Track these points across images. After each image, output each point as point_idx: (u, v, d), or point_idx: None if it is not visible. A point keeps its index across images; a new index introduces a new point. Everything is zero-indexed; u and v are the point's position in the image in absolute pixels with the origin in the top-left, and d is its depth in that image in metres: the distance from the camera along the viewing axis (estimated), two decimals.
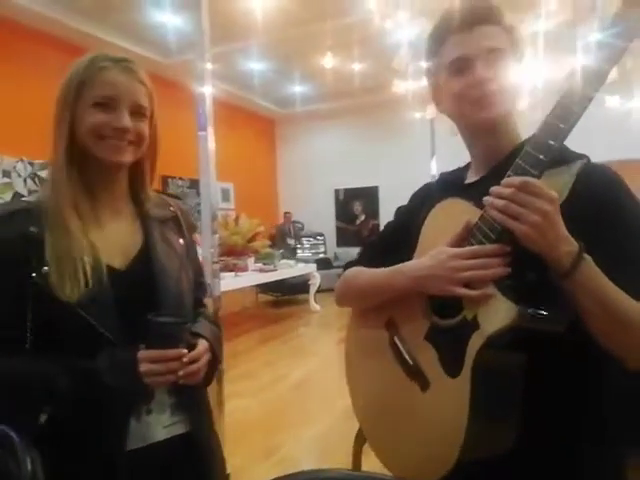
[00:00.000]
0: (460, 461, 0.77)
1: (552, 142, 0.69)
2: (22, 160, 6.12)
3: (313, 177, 10.35)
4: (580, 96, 0.67)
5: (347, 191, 10.29)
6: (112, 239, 0.95)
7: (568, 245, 0.69)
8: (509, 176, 0.72)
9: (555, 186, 0.71)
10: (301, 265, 7.59)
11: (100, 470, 0.87)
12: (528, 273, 0.72)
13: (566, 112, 0.69)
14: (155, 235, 1.00)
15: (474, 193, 0.82)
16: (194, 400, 1.01)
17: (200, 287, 1.13)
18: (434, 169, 7.38)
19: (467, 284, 0.77)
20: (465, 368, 0.77)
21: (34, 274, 0.85)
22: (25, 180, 6.18)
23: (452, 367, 0.80)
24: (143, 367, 0.85)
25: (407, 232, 1.00)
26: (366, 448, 1.09)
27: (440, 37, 0.92)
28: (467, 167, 1.02)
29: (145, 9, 5.81)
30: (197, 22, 1.89)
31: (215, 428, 1.10)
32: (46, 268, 0.85)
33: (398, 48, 4.95)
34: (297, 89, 9.01)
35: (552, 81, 5.05)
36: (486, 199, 0.73)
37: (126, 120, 0.91)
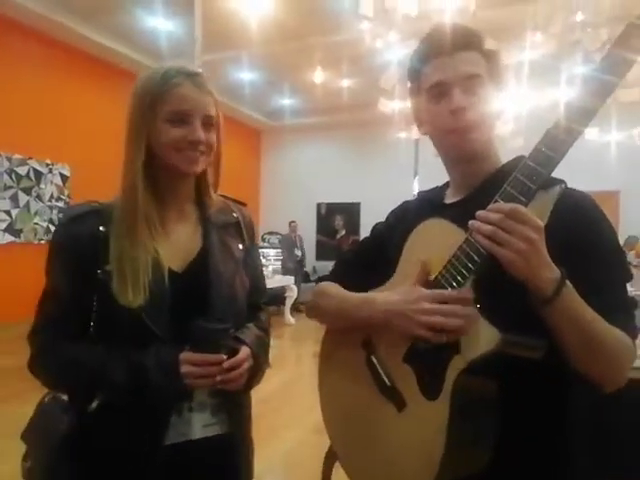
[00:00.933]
0: None
1: (542, 170, 0.69)
2: (0, 155, 5.99)
3: (296, 189, 10.37)
4: (571, 127, 0.68)
5: (329, 205, 10.33)
6: (175, 242, 1.00)
7: (550, 272, 0.69)
8: (496, 201, 0.72)
9: (536, 212, 0.71)
10: (278, 277, 7.56)
11: (139, 460, 0.92)
12: (511, 298, 0.71)
13: (557, 142, 0.69)
14: (214, 240, 1.04)
15: (453, 214, 0.82)
16: (235, 403, 1.04)
17: (258, 292, 1.15)
18: (416, 189, 7.47)
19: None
20: (444, 392, 0.76)
21: (99, 270, 0.92)
22: (2, 175, 6.04)
23: (430, 390, 0.79)
24: (184, 368, 0.90)
25: (382, 250, 1.00)
26: (337, 467, 1.07)
27: (421, 59, 0.92)
28: (445, 186, 1.02)
29: (139, 13, 5.80)
30: (190, 29, 1.89)
31: (251, 434, 1.13)
32: (109, 266, 0.92)
33: (387, 68, 5.03)
34: (285, 102, 9.07)
35: (536, 109, 5.18)
36: (472, 223, 0.72)
37: (200, 133, 0.96)
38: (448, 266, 0.78)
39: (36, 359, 0.96)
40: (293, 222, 9.47)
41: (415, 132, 5.87)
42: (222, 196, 1.15)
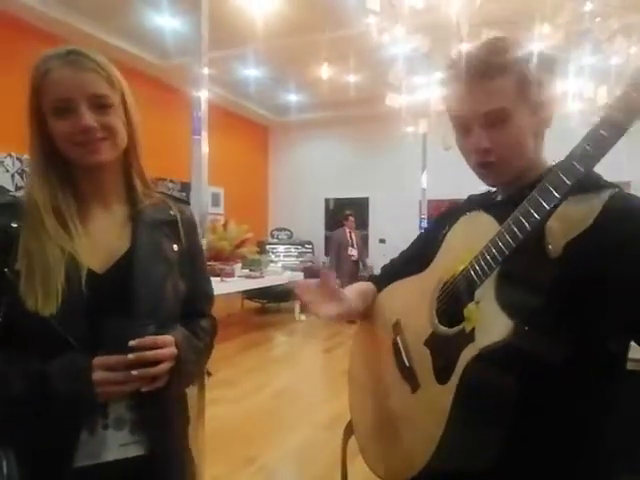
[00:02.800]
0: (429, 468, 0.78)
1: (578, 166, 0.67)
2: (11, 155, 6.05)
3: (304, 185, 10.37)
4: (614, 124, 0.64)
5: (337, 201, 10.31)
6: (97, 240, 0.91)
7: None
8: (533, 196, 0.71)
9: (580, 212, 0.71)
10: (288, 273, 7.58)
11: None
12: (535, 297, 0.70)
13: (598, 137, 0.66)
14: (143, 238, 0.94)
15: (498, 210, 0.82)
16: (158, 418, 0.91)
17: (199, 297, 1.06)
18: (424, 183, 7.44)
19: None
20: (454, 377, 0.77)
21: (7, 269, 0.82)
22: (13, 175, 6.11)
23: (442, 374, 0.81)
24: (96, 375, 0.80)
25: (427, 243, 1.03)
26: (356, 455, 1.09)
27: (445, 85, 0.89)
28: (496, 191, 1.01)
29: (145, 11, 5.81)
30: (196, 26, 1.89)
31: (188, 451, 1.02)
32: (18, 265, 0.82)
33: (394, 62, 5.00)
34: (292, 98, 9.05)
35: None
36: None
37: (86, 119, 0.84)
38: (479, 257, 0.78)
39: None
40: (349, 215, 7.83)
41: (422, 126, 5.84)
42: (162, 193, 1.05)
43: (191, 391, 1.89)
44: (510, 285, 0.74)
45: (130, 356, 0.81)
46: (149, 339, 0.84)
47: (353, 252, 7.58)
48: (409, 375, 0.91)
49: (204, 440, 1.94)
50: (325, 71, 5.67)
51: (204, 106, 1.89)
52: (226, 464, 2.74)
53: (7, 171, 6.05)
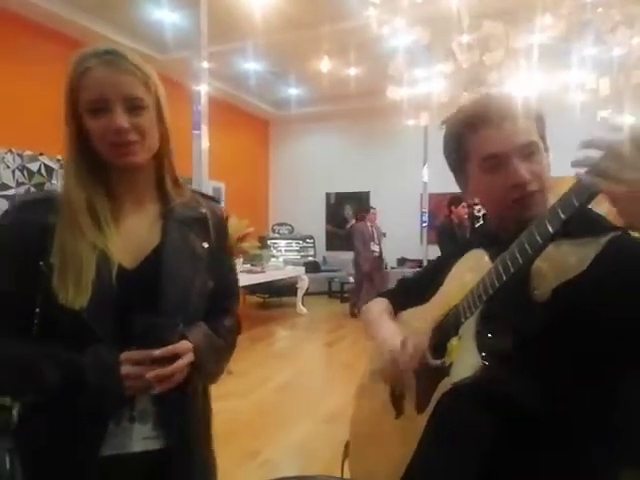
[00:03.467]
0: None
1: (575, 200, 0.65)
2: (11, 151, 6.04)
3: (305, 179, 10.35)
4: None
5: (338, 195, 10.30)
6: (128, 236, 0.93)
7: None
8: (520, 239, 0.71)
9: (575, 256, 0.71)
10: (289, 268, 7.58)
11: (71, 472, 0.85)
12: (511, 338, 0.71)
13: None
14: (173, 235, 0.95)
15: (501, 247, 0.80)
16: (180, 413, 0.93)
17: (225, 295, 1.07)
18: (426, 176, 7.43)
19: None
20: (428, 408, 0.80)
21: (42, 262, 0.85)
22: (14, 172, 6.10)
23: (421, 404, 0.84)
24: (124, 369, 0.83)
25: (437, 273, 1.02)
26: None
27: (468, 128, 0.88)
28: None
29: (144, 5, 5.78)
30: (195, 20, 1.89)
31: (209, 446, 1.03)
32: (53, 259, 0.85)
33: (394, 54, 4.98)
34: (292, 91, 9.02)
35: (545, 93, 5.11)
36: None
37: (120, 119, 0.86)
38: (468, 294, 0.80)
39: None
40: (373, 209, 7.46)
41: (424, 119, 5.83)
42: (193, 191, 1.07)
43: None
44: (489, 324, 0.75)
45: (156, 352, 0.83)
46: (170, 349, 0.86)
47: (375, 247, 7.19)
48: (397, 401, 0.94)
49: None
50: (325, 64, 5.65)
51: (204, 100, 1.89)
52: (230, 457, 2.76)
53: (8, 167, 6.04)
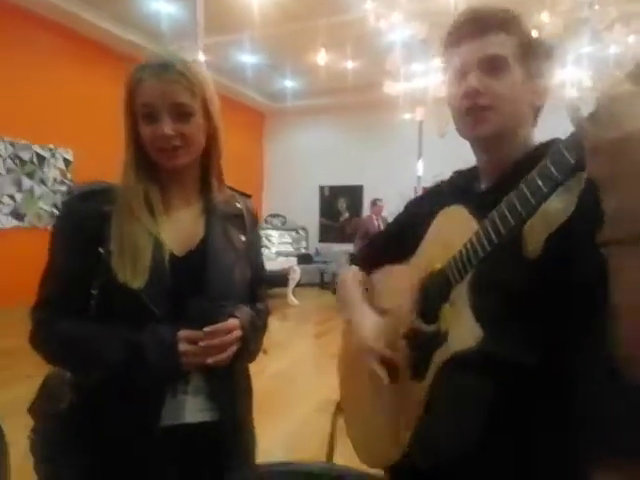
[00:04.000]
0: (401, 462, 0.81)
1: (571, 159, 0.62)
2: (3, 140, 5.98)
3: (299, 172, 10.35)
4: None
5: (332, 188, 10.31)
6: (178, 228, 1.02)
7: None
8: (521, 189, 0.66)
9: (561, 203, 0.68)
10: (281, 259, 7.59)
11: (134, 438, 0.92)
12: (508, 303, 0.69)
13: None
14: (216, 229, 1.05)
15: (478, 202, 0.80)
16: (227, 389, 1.03)
17: (258, 282, 1.16)
18: (420, 170, 7.44)
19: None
20: (428, 377, 0.79)
21: (101, 249, 0.93)
22: (5, 160, 6.04)
23: (418, 371, 0.82)
24: (182, 347, 0.90)
25: (411, 230, 0.99)
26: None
27: (447, 44, 0.89)
28: (477, 170, 0.98)
29: None
30: (191, 12, 1.88)
31: (251, 419, 1.15)
32: (112, 246, 0.93)
33: (391, 49, 4.97)
34: (288, 84, 8.99)
35: None
36: None
37: (166, 127, 0.94)
38: (456, 256, 0.77)
39: (35, 334, 0.96)
40: (378, 200, 7.24)
41: (419, 113, 5.83)
42: (229, 187, 1.17)
43: None
44: (483, 289, 0.73)
45: (206, 329, 0.92)
46: (221, 325, 0.94)
47: None
48: (388, 365, 0.91)
49: None
50: (322, 57, 5.63)
51: None
52: None
53: (0, 156, 5.99)
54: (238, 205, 1.15)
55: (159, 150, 0.97)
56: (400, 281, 0.96)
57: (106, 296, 0.93)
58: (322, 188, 10.40)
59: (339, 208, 10.33)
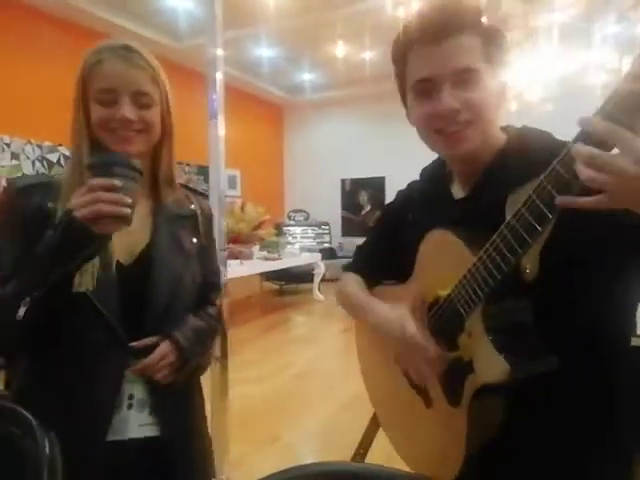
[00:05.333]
0: (464, 471, 0.80)
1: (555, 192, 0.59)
2: (30, 142, 6.12)
3: (320, 166, 10.32)
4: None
5: (353, 181, 10.26)
6: (122, 233, 0.92)
7: None
8: (512, 226, 0.64)
9: None
10: (305, 254, 7.60)
11: (81, 457, 0.86)
12: (523, 327, 0.70)
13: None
14: (163, 233, 0.99)
15: (457, 215, 0.80)
16: (172, 404, 0.98)
17: (210, 287, 1.12)
18: None
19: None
20: (463, 402, 0.78)
21: None
22: (33, 162, 6.19)
23: (452, 397, 0.82)
24: (73, 202, 0.78)
25: (396, 240, 1.00)
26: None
27: (405, 47, 0.82)
28: (449, 171, 0.94)
29: None
30: (209, 7, 1.87)
31: (204, 432, 1.08)
32: None
33: None
34: (307, 77, 8.95)
35: (566, 73, 4.99)
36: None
37: (127, 111, 0.89)
38: (460, 287, 0.76)
39: None
40: None
41: None
42: (184, 186, 1.10)
43: (214, 371, 1.93)
44: (497, 319, 0.72)
45: (133, 369, 0.91)
46: (149, 360, 0.92)
47: None
48: (421, 392, 0.92)
49: (229, 419, 1.98)
50: (340, 49, 5.59)
51: (220, 88, 1.88)
52: (249, 442, 2.80)
53: (28, 158, 6.13)
54: (192, 206, 1.08)
55: (110, 131, 0.90)
56: (399, 304, 0.92)
57: (49, 298, 0.84)
58: (343, 181, 10.36)
59: (360, 201, 10.28)
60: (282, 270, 7.14)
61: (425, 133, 0.83)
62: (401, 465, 0.94)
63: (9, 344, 0.89)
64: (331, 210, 10.32)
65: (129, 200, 0.78)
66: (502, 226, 0.65)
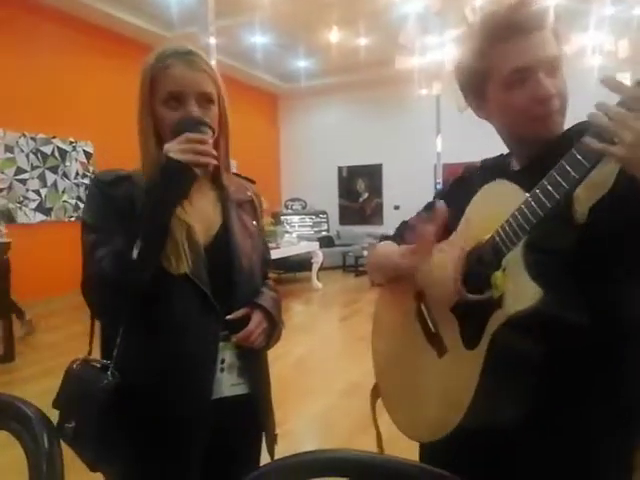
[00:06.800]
0: (460, 427, 0.81)
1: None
2: (24, 135, 6.08)
3: (316, 153, 10.29)
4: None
5: (350, 168, 10.24)
6: (198, 217, 1.05)
7: None
8: (561, 164, 0.70)
9: (601, 176, 0.71)
10: (303, 243, 7.60)
11: (188, 415, 0.99)
12: (562, 264, 0.72)
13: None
14: (233, 217, 1.10)
15: (519, 180, 0.81)
16: (256, 366, 1.13)
17: (268, 263, 1.26)
18: (439, 146, 7.33)
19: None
20: (482, 343, 0.79)
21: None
22: (28, 155, 6.16)
23: (470, 340, 0.83)
24: (171, 148, 0.92)
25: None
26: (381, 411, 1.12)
27: (490, 41, 0.85)
28: (508, 156, 0.99)
29: None
30: None
31: (270, 393, 1.21)
32: None
33: (405, 22, 4.85)
34: (301, 64, 8.89)
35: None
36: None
37: (195, 111, 0.98)
38: (505, 225, 0.78)
39: (87, 281, 0.96)
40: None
41: (436, 88, 5.72)
42: (236, 174, 1.20)
43: None
44: (538, 253, 0.74)
45: (236, 337, 1.04)
46: (247, 331, 1.04)
47: None
48: (435, 341, 0.93)
49: None
50: (334, 35, 5.54)
51: None
52: None
53: (22, 151, 6.09)
54: (248, 192, 1.19)
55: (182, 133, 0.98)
56: (442, 256, 0.95)
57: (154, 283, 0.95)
58: (340, 169, 10.34)
59: (358, 189, 10.27)
60: (280, 259, 7.16)
61: (520, 121, 0.86)
62: (397, 451, 0.95)
63: (131, 303, 0.98)
64: (328, 198, 10.32)
65: (215, 152, 0.96)
66: (561, 160, 0.70)
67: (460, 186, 1.05)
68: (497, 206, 0.82)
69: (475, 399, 0.79)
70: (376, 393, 1.14)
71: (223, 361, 1.06)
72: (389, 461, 0.55)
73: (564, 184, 0.69)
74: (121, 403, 0.96)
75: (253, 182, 1.26)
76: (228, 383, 1.06)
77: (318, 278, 7.60)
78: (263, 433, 1.16)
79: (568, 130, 0.86)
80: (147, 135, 1.01)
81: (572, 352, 0.77)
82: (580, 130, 0.72)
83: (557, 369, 0.77)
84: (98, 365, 1.01)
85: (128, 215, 0.95)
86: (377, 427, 1.14)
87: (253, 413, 1.11)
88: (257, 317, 1.08)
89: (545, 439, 0.82)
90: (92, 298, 0.97)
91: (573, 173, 0.68)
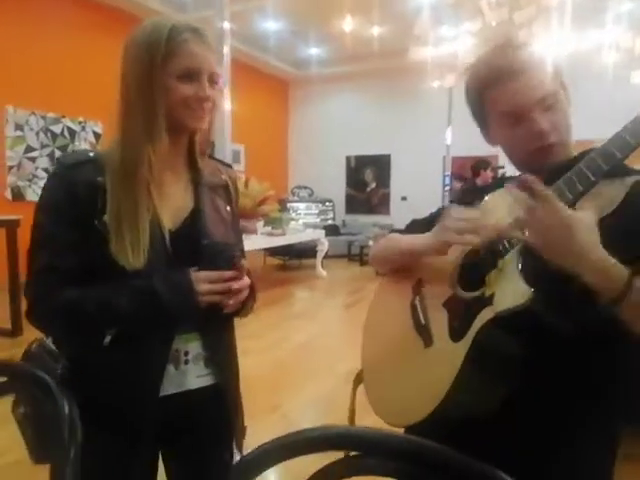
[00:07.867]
0: (433, 415, 0.84)
1: (617, 153, 0.72)
2: (34, 114, 6.11)
3: (325, 142, 10.26)
4: None
5: (358, 158, 10.21)
6: (168, 200, 1.02)
7: (603, 258, 0.69)
8: (568, 176, 0.75)
9: (609, 194, 0.76)
10: (309, 231, 7.62)
11: (134, 409, 0.96)
12: (555, 270, 0.73)
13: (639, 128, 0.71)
14: (205, 201, 1.06)
15: None
16: (225, 356, 1.10)
17: (241, 250, 1.20)
18: (449, 139, 7.29)
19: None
20: (467, 336, 0.82)
21: (96, 221, 0.92)
22: (37, 134, 6.18)
23: (457, 333, 0.86)
24: (201, 287, 0.93)
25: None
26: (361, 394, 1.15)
27: (484, 84, 0.91)
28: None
29: None
30: None
31: (238, 385, 1.19)
32: (106, 217, 0.92)
33: (419, 12, 4.81)
34: (314, 51, 8.84)
35: (576, 52, 4.91)
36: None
37: (208, 89, 0.97)
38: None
39: (34, 308, 0.94)
40: (489, 164, 5.53)
41: (449, 80, 5.67)
42: (211, 158, 1.16)
43: None
44: (533, 256, 0.76)
45: (228, 273, 0.97)
46: (237, 272, 0.99)
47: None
48: (423, 332, 0.96)
49: None
50: (348, 23, 5.50)
51: (227, 62, 1.87)
52: (252, 410, 2.85)
53: (32, 129, 6.12)
54: (223, 176, 1.14)
55: (190, 109, 0.97)
56: (434, 258, 0.98)
57: (104, 269, 0.92)
58: (348, 158, 10.31)
59: (365, 179, 10.25)
60: (285, 245, 7.19)
61: (521, 152, 0.92)
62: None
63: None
64: (335, 187, 10.31)
65: (246, 293, 1.01)
66: (567, 173, 0.76)
67: (468, 195, 1.09)
68: (499, 211, 0.87)
69: (452, 389, 0.82)
70: (359, 379, 1.16)
71: (187, 353, 1.02)
72: (391, 436, 0.57)
73: (568, 194, 0.74)
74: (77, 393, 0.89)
75: (229, 166, 1.21)
76: (194, 374, 1.04)
77: (323, 266, 7.63)
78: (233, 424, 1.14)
79: (575, 157, 0.89)
80: (157, 109, 0.94)
81: (552, 350, 0.79)
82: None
83: (535, 366, 0.79)
84: (53, 350, 0.99)
85: (84, 202, 0.92)
86: (353, 410, 1.17)
87: (221, 404, 1.08)
88: (247, 280, 1.02)
89: (521, 431, 0.83)
90: (39, 327, 0.96)
91: (578, 184, 0.74)
